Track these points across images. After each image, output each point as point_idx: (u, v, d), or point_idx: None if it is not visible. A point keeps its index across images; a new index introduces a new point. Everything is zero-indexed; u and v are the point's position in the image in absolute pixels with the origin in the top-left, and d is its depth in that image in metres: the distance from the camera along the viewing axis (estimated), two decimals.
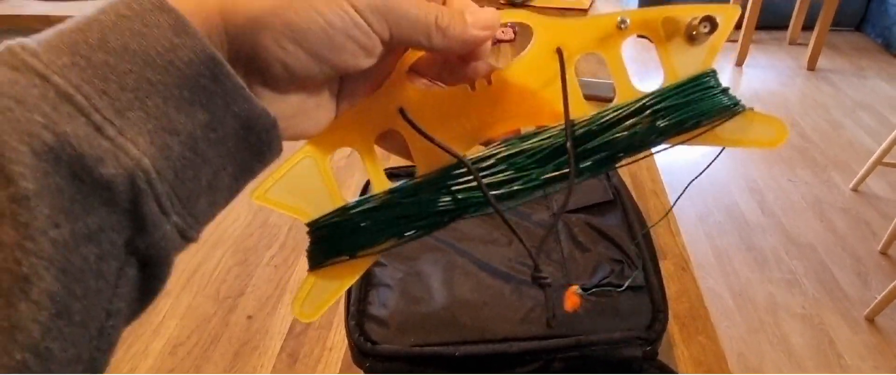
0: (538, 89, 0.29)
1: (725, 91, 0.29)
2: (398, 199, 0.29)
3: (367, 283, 0.54)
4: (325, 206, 0.29)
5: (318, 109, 0.26)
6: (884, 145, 2.04)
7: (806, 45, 3.24)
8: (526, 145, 0.29)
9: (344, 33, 0.22)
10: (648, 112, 0.28)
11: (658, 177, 0.86)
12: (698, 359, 0.59)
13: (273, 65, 0.22)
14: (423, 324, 0.50)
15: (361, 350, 0.49)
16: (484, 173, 0.28)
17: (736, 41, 3.30)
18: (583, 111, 0.29)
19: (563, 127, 0.28)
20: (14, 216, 0.16)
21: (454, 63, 0.27)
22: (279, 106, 0.23)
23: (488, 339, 0.48)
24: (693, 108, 0.28)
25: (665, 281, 0.54)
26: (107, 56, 0.18)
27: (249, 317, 0.61)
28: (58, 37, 0.18)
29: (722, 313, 1.72)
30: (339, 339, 0.63)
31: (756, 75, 3.18)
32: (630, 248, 0.55)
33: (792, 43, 3.50)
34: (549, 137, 0.29)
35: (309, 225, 0.29)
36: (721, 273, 1.87)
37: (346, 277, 0.30)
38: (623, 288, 0.51)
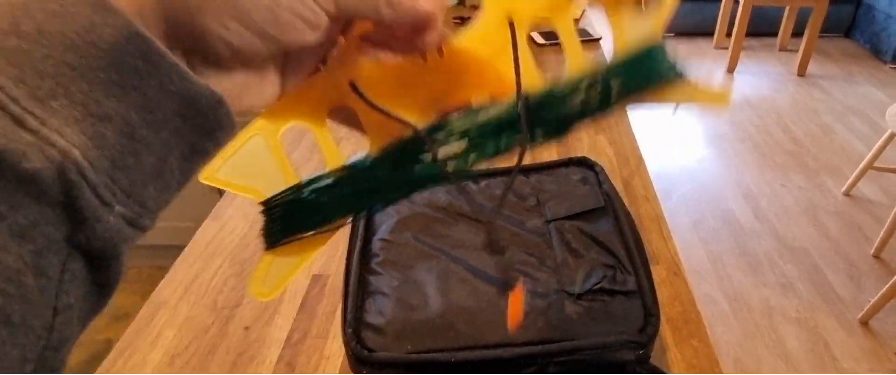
0: (491, 59, 0.29)
1: (672, 61, 0.30)
2: (353, 174, 0.29)
3: (363, 292, 0.54)
4: (278, 185, 0.28)
5: (263, 84, 0.25)
6: (874, 149, 2.06)
7: (796, 51, 3.28)
8: (481, 116, 0.29)
9: (289, 9, 0.21)
10: (599, 85, 0.29)
11: (650, 184, 0.87)
12: (691, 362, 0.59)
13: (215, 44, 0.21)
14: (420, 331, 0.50)
15: (359, 357, 0.49)
16: (439, 145, 0.28)
17: (726, 48, 3.33)
18: (535, 80, 0.29)
19: (516, 99, 0.29)
20: None
21: (406, 34, 0.26)
22: (223, 84, 0.22)
23: (484, 345, 0.49)
24: (640, 78, 0.29)
25: (658, 286, 0.55)
26: (20, 41, 0.16)
27: (246, 328, 0.62)
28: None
29: (717, 318, 1.73)
30: (336, 348, 0.64)
31: (747, 81, 3.21)
32: (622, 253, 0.56)
33: (782, 49, 3.54)
34: (503, 108, 0.29)
35: (262, 203, 0.28)
36: (716, 278, 1.88)
37: (303, 254, 0.30)
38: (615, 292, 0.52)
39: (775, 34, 3.55)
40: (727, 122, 2.78)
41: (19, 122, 0.16)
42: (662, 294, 0.68)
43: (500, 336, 0.50)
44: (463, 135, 0.29)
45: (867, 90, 3.08)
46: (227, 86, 0.22)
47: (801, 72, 3.24)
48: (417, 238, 0.59)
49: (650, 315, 0.51)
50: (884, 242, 1.92)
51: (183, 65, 0.19)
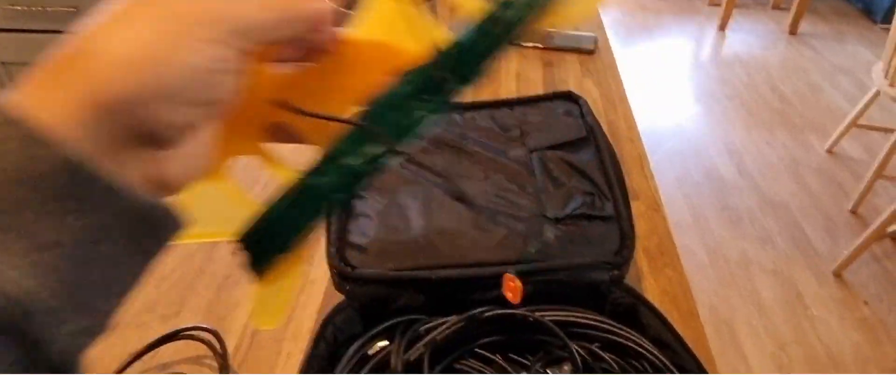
0: (390, 37, 0.30)
1: None
2: (308, 182, 0.29)
3: (347, 214, 0.55)
4: (241, 216, 0.29)
5: (205, 141, 0.25)
6: (859, 107, 2.08)
7: (788, 9, 3.26)
8: (402, 89, 0.30)
9: (214, 72, 0.21)
10: (498, 22, 0.30)
11: (634, 125, 0.88)
12: (665, 289, 0.61)
13: (161, 129, 0.21)
14: (402, 250, 0.52)
15: (342, 274, 0.50)
16: (375, 125, 0.29)
17: (719, 5, 3.30)
18: (433, 38, 0.30)
19: (428, 63, 0.30)
20: None
21: (302, 41, 0.26)
22: (181, 160, 0.23)
23: (463, 264, 0.51)
24: (531, 7, 0.30)
25: (636, 220, 0.56)
26: None
27: (233, 254, 0.63)
28: None
29: (696, 268, 1.77)
30: (320, 274, 0.65)
31: (738, 39, 3.20)
32: (602, 182, 0.57)
33: (775, 7, 3.51)
34: (420, 73, 0.30)
35: (237, 241, 0.29)
36: (697, 231, 1.91)
37: (289, 273, 0.31)
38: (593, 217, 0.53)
39: None
40: (717, 80, 2.79)
41: None
42: (640, 227, 0.69)
43: (480, 257, 0.51)
44: (389, 108, 0.30)
45: (857, 50, 3.09)
46: (184, 158, 0.23)
47: (793, 31, 3.24)
48: (402, 165, 0.60)
49: (626, 238, 0.53)
50: (862, 198, 1.96)
51: (122, 184, 0.20)
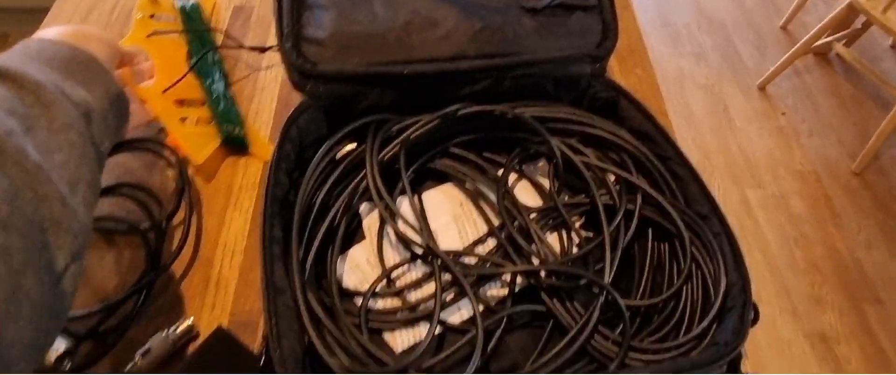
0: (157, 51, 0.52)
1: None
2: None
3: (298, 5, 0.48)
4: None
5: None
6: None
7: None
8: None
9: (110, 57, 0.42)
10: None
11: None
12: (635, 88, 0.60)
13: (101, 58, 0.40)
14: (367, 45, 0.46)
15: (301, 71, 0.45)
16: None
17: None
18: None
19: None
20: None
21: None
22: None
23: (437, 58, 0.46)
24: None
25: None
26: (50, 67, 0.35)
27: None
28: (24, 52, 0.35)
29: None
30: (269, 79, 0.59)
31: None
32: None
33: None
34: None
35: None
36: None
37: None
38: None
39: None
40: None
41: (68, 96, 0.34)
42: None
43: (454, 50, 0.47)
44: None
45: None
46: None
47: None
48: None
49: (608, 29, 0.49)
50: (793, 14, 2.00)
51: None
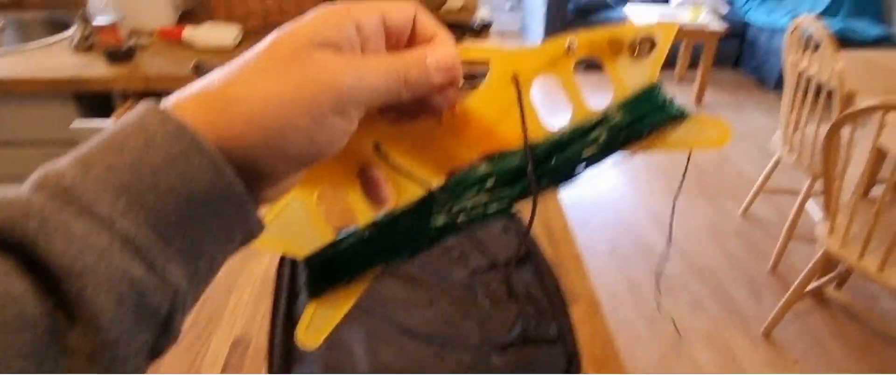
0: (500, 116, 0.31)
1: (671, 101, 0.32)
2: (380, 230, 0.32)
3: (289, 357, 0.53)
4: (315, 242, 0.32)
5: (298, 175, 0.28)
6: (763, 174, 2.26)
7: (693, 82, 3.55)
8: (492, 168, 0.31)
9: (333, 138, 0.24)
10: (604, 128, 0.32)
11: (566, 225, 0.91)
12: None
13: (273, 178, 0.24)
14: None
15: None
16: (452, 200, 0.31)
17: None
18: (542, 134, 0.32)
19: (515, 153, 0.31)
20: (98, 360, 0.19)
21: (420, 99, 0.27)
22: (275, 189, 0.26)
23: None
24: (644, 121, 0.31)
25: (578, 326, 0.58)
26: (156, 198, 0.20)
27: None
28: (109, 174, 0.20)
29: (635, 340, 1.81)
30: None
31: None
32: (543, 302, 0.58)
33: (680, 80, 3.82)
34: (512, 160, 0.31)
35: (303, 260, 0.32)
36: (632, 301, 1.97)
37: (343, 302, 0.33)
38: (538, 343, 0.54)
39: (674, 66, 3.83)
40: None
41: (151, 267, 0.20)
42: (583, 332, 0.70)
43: None
44: (476, 188, 0.31)
45: (755, 116, 3.38)
46: (278, 188, 0.26)
47: (699, 101, 3.51)
48: None
49: (572, 358, 0.53)
50: (778, 257, 2.09)
51: (255, 212, 0.24)
